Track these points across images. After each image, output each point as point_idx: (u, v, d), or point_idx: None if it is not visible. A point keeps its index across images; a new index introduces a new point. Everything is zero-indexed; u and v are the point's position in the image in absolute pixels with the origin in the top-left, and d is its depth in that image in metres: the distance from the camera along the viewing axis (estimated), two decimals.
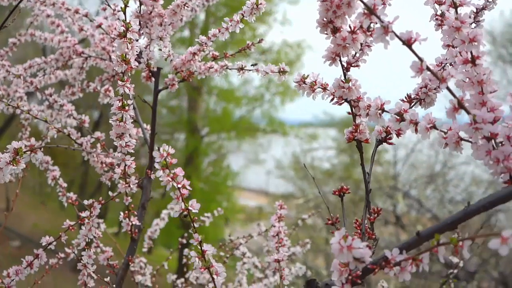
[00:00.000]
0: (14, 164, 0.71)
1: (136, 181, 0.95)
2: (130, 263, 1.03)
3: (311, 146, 10.85)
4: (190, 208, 0.66)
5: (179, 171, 0.66)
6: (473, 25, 0.74)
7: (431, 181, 6.46)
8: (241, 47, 1.00)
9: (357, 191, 7.12)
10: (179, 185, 0.65)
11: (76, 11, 1.13)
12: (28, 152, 0.68)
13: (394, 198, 5.71)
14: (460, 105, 0.54)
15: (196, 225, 0.70)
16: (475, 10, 0.75)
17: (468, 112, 0.53)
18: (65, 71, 1.45)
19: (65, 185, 1.14)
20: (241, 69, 0.98)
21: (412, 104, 0.72)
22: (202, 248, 0.68)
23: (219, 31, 0.94)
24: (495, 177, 0.54)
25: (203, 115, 11.98)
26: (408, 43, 0.53)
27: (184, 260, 1.53)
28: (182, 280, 1.60)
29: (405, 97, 0.72)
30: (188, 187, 0.66)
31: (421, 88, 0.72)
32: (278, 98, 12.16)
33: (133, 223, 1.01)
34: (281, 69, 0.88)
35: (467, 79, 0.57)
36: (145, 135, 1.11)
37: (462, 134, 0.58)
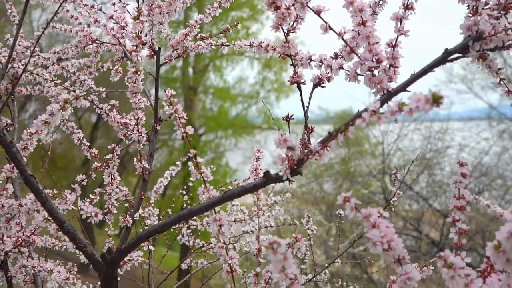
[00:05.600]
0: (63, 110, 1.02)
1: (146, 131, 1.26)
2: (142, 197, 1.34)
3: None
4: (187, 131, 0.98)
5: (179, 107, 0.98)
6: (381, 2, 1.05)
7: (420, 164, 6.78)
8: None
9: (353, 182, 7.46)
10: (179, 116, 0.97)
11: (92, 6, 1.44)
12: (75, 100, 0.99)
13: (382, 181, 6.04)
14: (351, 50, 0.85)
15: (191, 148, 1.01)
16: None
17: (356, 54, 0.85)
18: (79, 60, 1.76)
19: (88, 144, 1.45)
20: (222, 45, 1.30)
21: (339, 59, 1.03)
22: (196, 160, 1.00)
23: (204, 16, 1.26)
24: (376, 95, 0.86)
25: (199, 114, 12.30)
26: (318, 12, 0.85)
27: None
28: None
29: (333, 54, 1.04)
30: (185, 117, 0.98)
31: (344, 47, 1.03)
32: (273, 95, 12.50)
33: (144, 166, 1.32)
34: (251, 43, 1.20)
35: (359, 35, 0.89)
36: (150, 101, 1.42)
37: (358, 71, 0.90)
